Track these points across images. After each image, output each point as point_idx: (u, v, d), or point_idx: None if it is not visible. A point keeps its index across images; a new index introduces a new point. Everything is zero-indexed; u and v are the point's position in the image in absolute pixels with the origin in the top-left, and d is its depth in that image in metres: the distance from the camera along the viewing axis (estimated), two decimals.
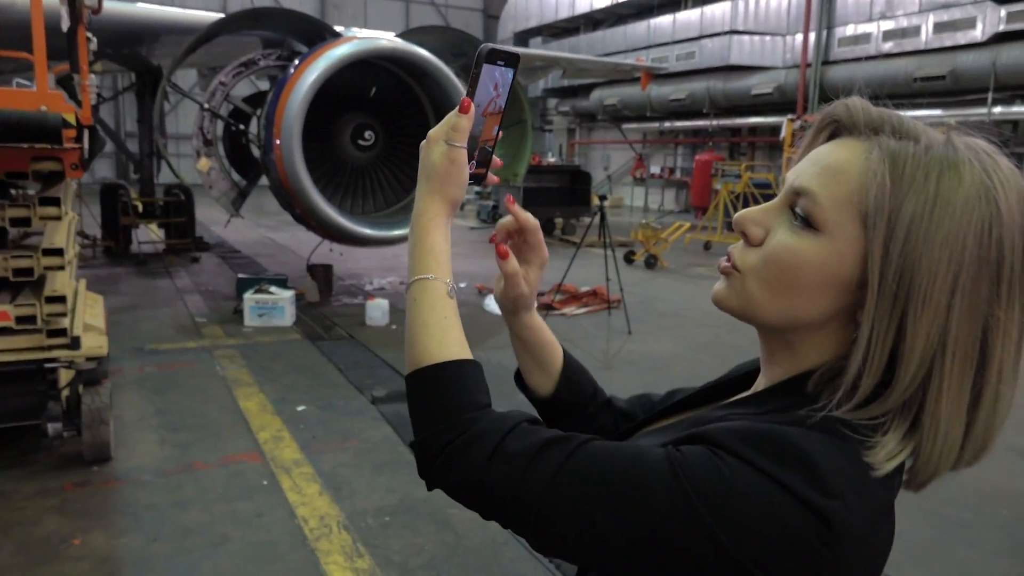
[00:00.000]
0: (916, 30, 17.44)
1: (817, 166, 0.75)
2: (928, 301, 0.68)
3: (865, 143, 0.73)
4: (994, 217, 0.68)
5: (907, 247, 0.68)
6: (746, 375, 0.93)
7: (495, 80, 0.86)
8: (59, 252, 3.81)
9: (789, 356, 0.80)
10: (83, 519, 3.61)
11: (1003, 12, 15.68)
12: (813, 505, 0.64)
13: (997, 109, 16.18)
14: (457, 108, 0.84)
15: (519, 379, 1.06)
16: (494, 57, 0.84)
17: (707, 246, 15.18)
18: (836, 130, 0.78)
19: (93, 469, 4.15)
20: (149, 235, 13.16)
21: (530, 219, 0.92)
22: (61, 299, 3.84)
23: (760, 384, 0.85)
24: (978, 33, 16.21)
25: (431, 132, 0.86)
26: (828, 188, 0.72)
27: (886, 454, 0.70)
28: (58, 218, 3.80)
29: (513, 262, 0.92)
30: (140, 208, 12.47)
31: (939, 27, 16.97)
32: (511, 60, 0.86)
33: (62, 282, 4.00)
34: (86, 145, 3.82)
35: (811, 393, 0.75)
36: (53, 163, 3.73)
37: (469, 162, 0.87)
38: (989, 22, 15.99)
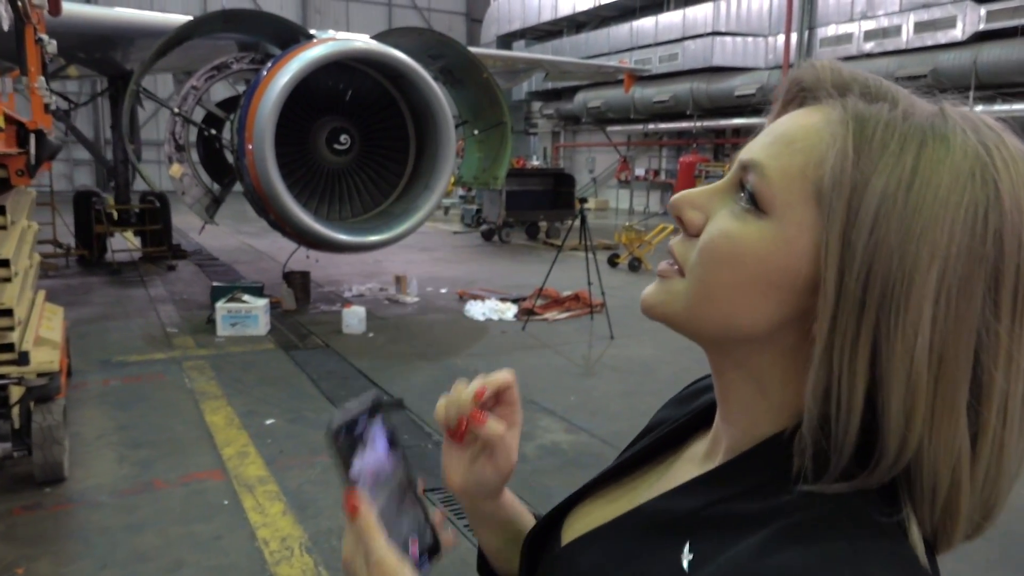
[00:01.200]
0: (897, 30, 17.46)
1: (771, 135, 0.60)
2: (905, 309, 0.51)
3: (828, 107, 0.58)
4: (991, 202, 0.51)
5: (875, 237, 0.52)
6: (703, 412, 0.74)
7: (370, 442, 0.64)
8: (5, 263, 3.62)
9: (752, 396, 0.61)
10: (30, 545, 3.42)
11: (983, 11, 15.72)
12: None
13: (979, 108, 16.00)
14: (347, 513, 0.62)
15: (486, 572, 0.85)
16: (349, 428, 0.63)
17: None
18: (804, 99, 0.62)
19: (45, 491, 3.95)
20: (125, 243, 12.91)
21: (504, 378, 0.72)
22: (7, 313, 3.66)
23: (721, 435, 0.66)
24: (958, 32, 16.24)
25: (344, 554, 0.63)
26: (779, 160, 0.57)
27: (917, 535, 0.54)
28: (3, 227, 3.60)
29: (495, 423, 0.70)
30: (115, 216, 12.22)
31: (920, 27, 17.00)
32: (373, 410, 0.64)
33: (9, 295, 3.81)
34: (32, 150, 3.62)
35: (795, 458, 0.56)
36: None
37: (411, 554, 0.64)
38: (969, 21, 16.02)
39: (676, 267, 0.62)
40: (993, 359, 0.52)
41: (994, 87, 16.08)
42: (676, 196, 0.62)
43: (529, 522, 0.82)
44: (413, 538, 0.64)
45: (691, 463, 0.70)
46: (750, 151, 0.60)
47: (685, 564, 0.57)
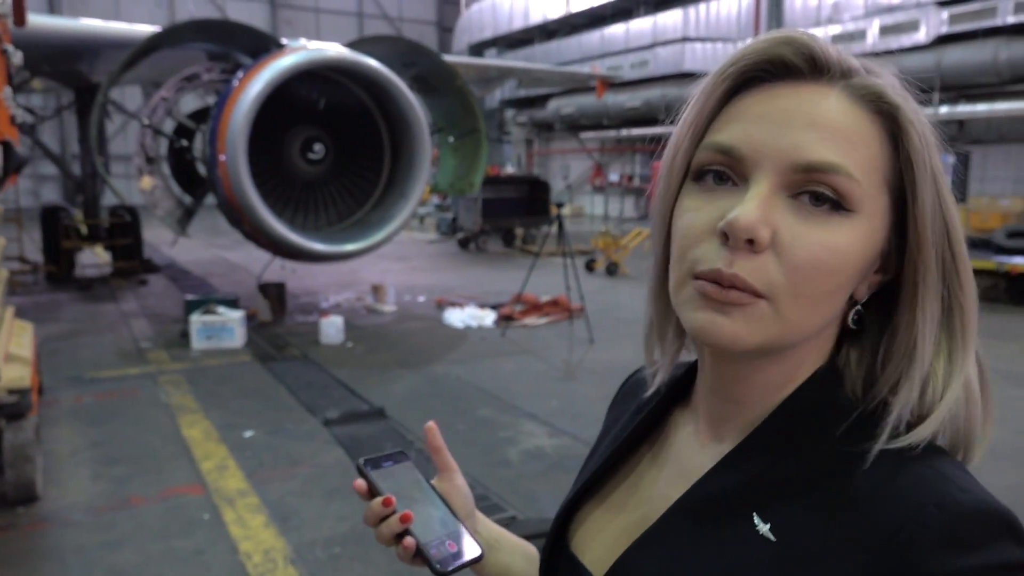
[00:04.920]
0: (862, 34, 17.77)
1: (810, 128, 0.57)
2: (962, 256, 0.60)
3: (843, 88, 0.59)
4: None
5: (943, 201, 0.59)
6: (662, 398, 0.74)
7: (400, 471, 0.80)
8: None
9: (778, 376, 0.63)
10: (4, 567, 3.32)
11: (945, 15, 16.05)
12: None
13: (943, 109, 16.52)
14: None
15: None
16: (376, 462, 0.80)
17: None
18: (761, 76, 0.61)
19: (18, 511, 3.84)
20: (94, 258, 12.66)
21: (428, 429, 0.88)
22: None
23: (726, 414, 0.65)
24: (921, 36, 16.55)
25: None
26: (852, 157, 0.57)
27: None
28: None
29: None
30: (85, 230, 12.00)
31: (884, 30, 17.31)
32: (398, 457, 0.81)
33: None
34: (0, 162, 3.54)
35: (842, 408, 0.61)
36: None
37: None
38: (932, 24, 16.34)
39: (751, 291, 0.57)
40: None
41: (958, 88, 16.42)
42: (741, 216, 0.56)
43: (512, 541, 0.85)
44: (449, 541, 0.72)
45: (693, 445, 0.69)
46: (806, 150, 0.57)
47: (765, 532, 0.58)
